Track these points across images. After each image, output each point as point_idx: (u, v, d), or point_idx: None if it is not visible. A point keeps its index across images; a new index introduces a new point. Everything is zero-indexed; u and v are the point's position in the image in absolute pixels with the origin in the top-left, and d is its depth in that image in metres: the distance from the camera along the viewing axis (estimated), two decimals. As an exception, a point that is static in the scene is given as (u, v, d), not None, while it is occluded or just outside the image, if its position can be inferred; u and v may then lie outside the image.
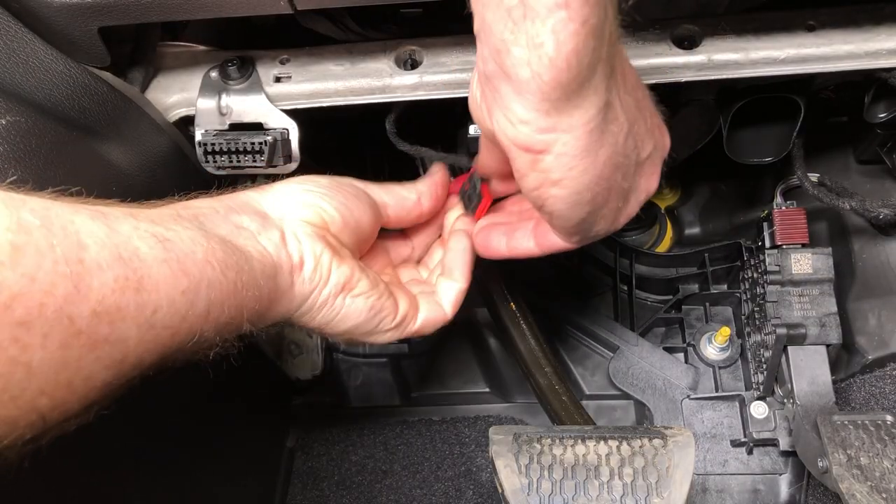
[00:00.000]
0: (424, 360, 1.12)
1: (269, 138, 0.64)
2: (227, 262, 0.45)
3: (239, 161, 0.65)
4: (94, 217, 0.38)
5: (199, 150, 0.65)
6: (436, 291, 0.66)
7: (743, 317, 0.93)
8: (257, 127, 0.66)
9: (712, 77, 0.64)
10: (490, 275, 0.89)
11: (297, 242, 0.53)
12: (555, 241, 0.57)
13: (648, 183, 0.53)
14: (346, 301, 0.56)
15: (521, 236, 0.60)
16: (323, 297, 0.55)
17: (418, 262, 0.72)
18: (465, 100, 0.51)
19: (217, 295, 0.44)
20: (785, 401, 0.84)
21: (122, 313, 0.37)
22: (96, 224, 0.38)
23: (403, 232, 0.72)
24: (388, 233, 0.70)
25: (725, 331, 0.92)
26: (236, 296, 0.46)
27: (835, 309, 0.81)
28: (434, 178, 0.68)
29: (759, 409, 0.86)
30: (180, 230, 0.44)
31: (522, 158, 0.44)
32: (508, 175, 0.59)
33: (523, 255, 0.61)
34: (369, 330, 0.59)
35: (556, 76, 0.38)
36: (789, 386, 0.81)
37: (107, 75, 0.62)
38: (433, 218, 0.71)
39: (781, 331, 0.80)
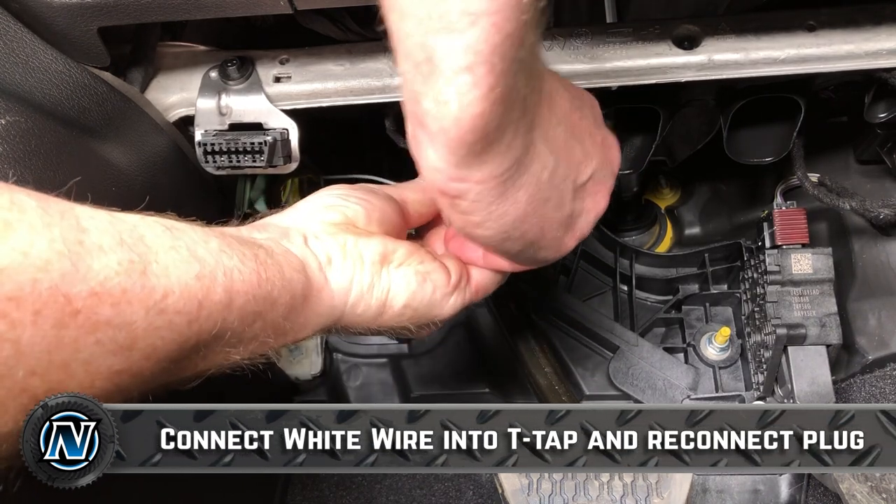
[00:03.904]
0: (424, 360, 1.12)
1: (268, 138, 0.64)
2: (246, 253, 0.44)
3: (239, 161, 0.65)
4: (97, 209, 0.37)
5: (199, 150, 0.65)
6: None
7: (743, 317, 0.93)
8: (257, 127, 0.66)
9: (712, 77, 0.64)
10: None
11: (319, 242, 0.53)
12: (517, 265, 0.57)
13: (596, 202, 0.52)
14: (391, 275, 0.55)
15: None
16: (366, 280, 0.54)
17: None
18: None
19: (238, 284, 0.43)
20: (785, 401, 0.84)
21: (128, 296, 0.35)
22: (98, 212, 0.37)
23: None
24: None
25: (725, 331, 0.92)
26: (261, 286, 0.44)
27: (835, 309, 0.81)
28: None
29: (759, 410, 0.86)
30: (191, 225, 0.43)
31: (442, 200, 0.44)
32: None
33: (497, 268, 0.61)
34: (428, 299, 0.57)
35: (461, 136, 0.38)
36: (789, 386, 0.81)
37: (106, 75, 0.62)
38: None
39: (781, 331, 0.80)
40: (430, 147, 0.40)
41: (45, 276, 0.32)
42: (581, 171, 0.49)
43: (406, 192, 0.64)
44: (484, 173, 0.41)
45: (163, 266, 0.38)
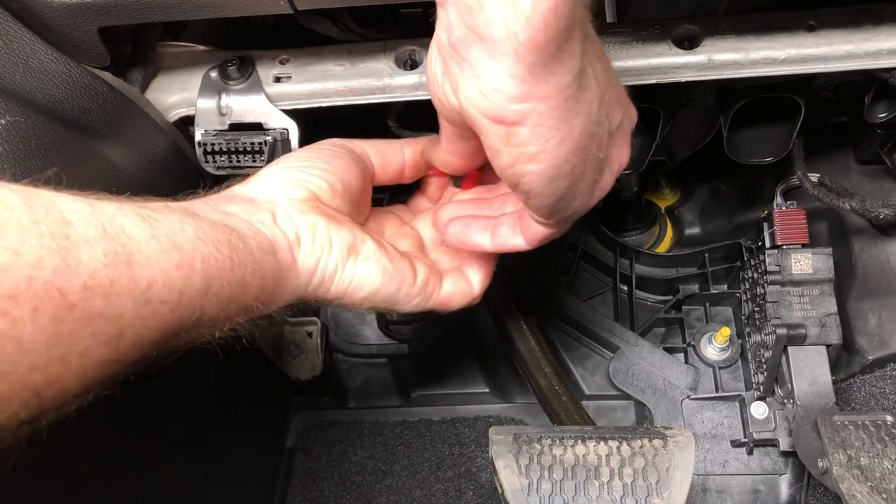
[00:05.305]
0: (424, 360, 1.12)
1: (268, 138, 0.64)
2: (219, 239, 0.45)
3: (239, 161, 0.65)
4: (77, 198, 0.38)
5: (199, 150, 0.65)
6: (464, 269, 0.65)
7: (743, 317, 0.93)
8: (257, 127, 0.66)
9: (712, 77, 0.64)
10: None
11: (289, 220, 0.53)
12: (539, 231, 0.54)
13: (620, 154, 0.51)
14: (356, 266, 0.55)
15: (506, 232, 0.57)
16: (331, 266, 0.54)
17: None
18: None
19: (214, 270, 0.43)
20: (785, 401, 0.84)
21: (116, 287, 0.36)
22: (79, 204, 0.37)
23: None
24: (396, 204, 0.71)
25: (725, 331, 0.92)
26: (234, 271, 0.45)
27: (835, 309, 0.81)
28: (418, 147, 0.65)
29: (759, 410, 0.86)
30: (166, 212, 0.43)
31: (495, 133, 0.42)
32: (474, 164, 0.59)
33: (510, 250, 0.58)
34: (390, 296, 0.57)
35: (533, 36, 0.36)
36: (789, 386, 0.81)
37: (106, 75, 0.62)
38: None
39: (781, 331, 0.80)
40: (490, 63, 0.38)
41: (38, 272, 0.32)
42: (613, 116, 0.48)
43: (373, 148, 0.63)
44: (550, 86, 0.40)
45: (145, 256, 0.39)
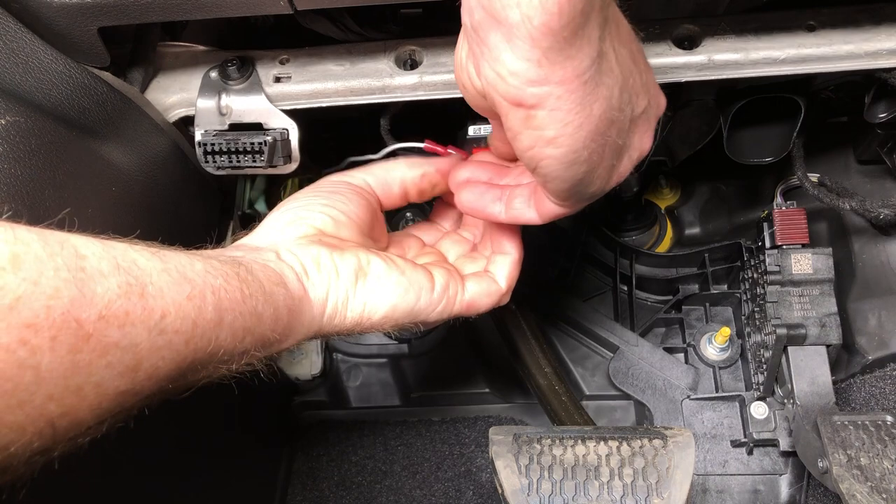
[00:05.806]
0: (424, 360, 1.12)
1: (268, 138, 0.64)
2: (228, 273, 0.46)
3: (239, 161, 0.65)
4: (88, 236, 0.39)
5: (199, 151, 0.65)
6: (489, 269, 0.65)
7: (743, 317, 0.93)
8: (257, 127, 0.66)
9: (712, 77, 0.64)
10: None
11: (292, 255, 0.54)
12: (553, 208, 0.54)
13: (642, 141, 0.50)
14: (367, 287, 0.56)
15: (520, 204, 0.56)
16: (342, 292, 0.54)
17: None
18: (464, 100, 0.51)
19: (225, 302, 0.44)
20: (785, 401, 0.84)
21: (131, 317, 0.37)
22: (91, 240, 0.38)
23: (429, 218, 0.73)
24: (417, 223, 0.71)
25: (725, 331, 0.92)
26: (245, 302, 0.46)
27: (835, 309, 0.81)
28: (419, 170, 0.65)
29: (759, 410, 0.86)
30: (175, 250, 0.44)
31: (514, 115, 0.42)
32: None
33: (523, 223, 0.58)
34: (410, 308, 0.57)
35: (547, 21, 0.36)
36: (789, 386, 0.81)
37: (106, 75, 0.62)
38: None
39: (781, 331, 0.80)
40: (507, 47, 0.39)
41: (56, 302, 0.33)
42: (637, 102, 0.48)
43: (372, 175, 0.63)
44: (567, 71, 0.40)
45: (157, 287, 0.39)
